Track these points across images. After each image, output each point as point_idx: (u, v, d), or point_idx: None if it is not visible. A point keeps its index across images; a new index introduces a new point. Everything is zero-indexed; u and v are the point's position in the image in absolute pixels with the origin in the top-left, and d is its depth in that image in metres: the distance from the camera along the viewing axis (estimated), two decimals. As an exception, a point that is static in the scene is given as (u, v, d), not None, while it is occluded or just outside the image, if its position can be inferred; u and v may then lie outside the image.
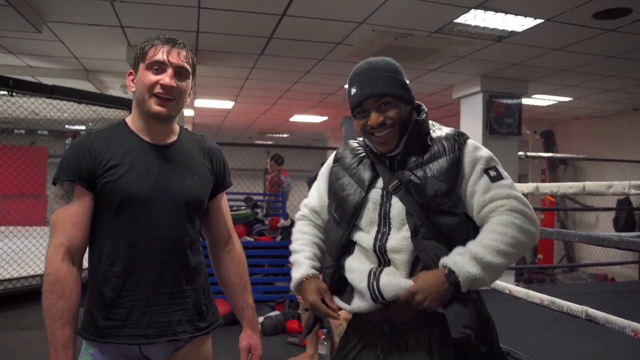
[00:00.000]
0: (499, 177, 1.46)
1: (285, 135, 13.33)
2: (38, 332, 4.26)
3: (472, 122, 6.71)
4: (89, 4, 4.13)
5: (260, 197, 6.52)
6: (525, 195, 2.08)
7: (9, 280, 5.08)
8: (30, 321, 4.57)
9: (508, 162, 6.57)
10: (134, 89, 1.54)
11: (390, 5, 4.06)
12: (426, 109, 1.57)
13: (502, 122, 6.54)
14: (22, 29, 4.56)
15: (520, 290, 3.19)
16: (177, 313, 1.53)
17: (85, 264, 1.52)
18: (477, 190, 1.44)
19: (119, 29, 4.81)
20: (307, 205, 1.75)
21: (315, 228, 1.71)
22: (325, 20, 4.48)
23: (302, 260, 1.62)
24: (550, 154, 8.84)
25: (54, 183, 1.48)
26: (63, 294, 1.39)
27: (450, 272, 1.35)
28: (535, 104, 8.04)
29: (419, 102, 1.59)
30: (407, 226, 1.45)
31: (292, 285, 1.61)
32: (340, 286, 1.57)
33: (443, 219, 1.44)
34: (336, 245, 1.56)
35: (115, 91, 7.53)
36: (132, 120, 1.58)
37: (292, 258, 1.66)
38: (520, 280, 7.46)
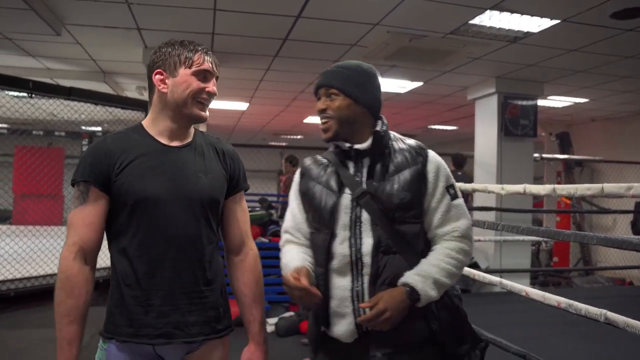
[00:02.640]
0: (456, 196, 1.61)
1: (299, 137, 13.35)
2: (43, 331, 4.28)
3: (487, 123, 6.68)
4: (106, 6, 4.18)
5: (275, 199, 6.54)
6: (541, 196, 2.12)
7: (28, 278, 5.14)
8: (35, 321, 4.59)
9: (523, 164, 6.53)
10: (166, 90, 1.56)
11: (405, 6, 4.05)
12: (386, 122, 1.66)
13: (517, 124, 6.49)
14: (42, 32, 4.64)
15: (536, 293, 3.17)
16: (193, 314, 1.54)
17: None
18: (440, 208, 1.58)
19: (135, 31, 4.86)
20: (286, 229, 1.77)
21: (300, 246, 1.71)
22: (340, 22, 4.49)
23: (290, 262, 1.64)
24: (566, 156, 8.76)
25: (72, 184, 1.52)
26: (72, 292, 1.43)
27: (414, 292, 1.47)
28: (551, 105, 7.97)
29: (382, 115, 1.67)
30: (372, 234, 1.54)
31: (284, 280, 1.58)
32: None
33: (407, 227, 1.55)
34: (322, 250, 1.60)
35: (131, 93, 7.60)
36: (151, 122, 1.61)
37: (283, 271, 1.65)
38: (535, 283, 7.39)
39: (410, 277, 1.49)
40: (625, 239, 2.42)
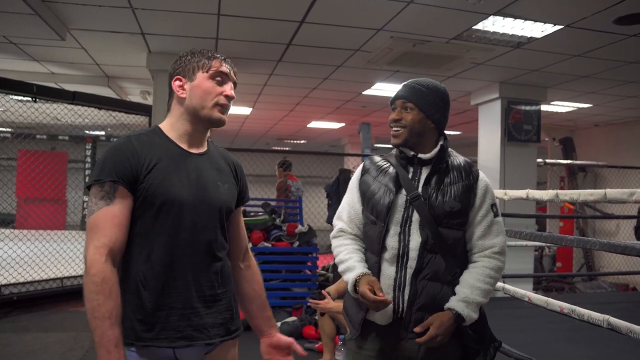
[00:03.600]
0: (498, 214, 1.82)
1: (302, 142, 13.36)
2: (58, 334, 4.33)
3: (490, 128, 6.68)
4: (111, 11, 4.21)
5: (279, 203, 6.55)
6: (544, 202, 2.19)
7: (31, 282, 5.16)
8: (50, 323, 4.64)
9: (526, 169, 6.52)
10: (184, 95, 1.58)
11: (409, 11, 4.06)
12: (448, 139, 1.87)
13: (520, 129, 6.49)
14: (47, 37, 4.66)
15: (539, 298, 3.16)
16: (210, 316, 1.56)
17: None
18: (484, 222, 1.78)
19: (139, 36, 4.89)
20: (340, 218, 1.94)
21: (353, 239, 1.89)
22: (343, 27, 4.50)
23: (354, 264, 1.79)
24: (569, 161, 8.74)
25: (88, 186, 1.48)
26: (110, 294, 1.38)
27: (460, 317, 1.67)
28: (554, 110, 7.96)
29: (446, 133, 1.88)
30: (419, 233, 1.72)
31: (350, 285, 1.76)
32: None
33: (450, 232, 1.74)
34: (377, 241, 1.78)
35: (135, 97, 7.63)
36: (170, 126, 1.61)
37: (343, 266, 1.83)
38: (538, 288, 7.37)
39: (457, 303, 1.68)
40: (628, 245, 2.41)
